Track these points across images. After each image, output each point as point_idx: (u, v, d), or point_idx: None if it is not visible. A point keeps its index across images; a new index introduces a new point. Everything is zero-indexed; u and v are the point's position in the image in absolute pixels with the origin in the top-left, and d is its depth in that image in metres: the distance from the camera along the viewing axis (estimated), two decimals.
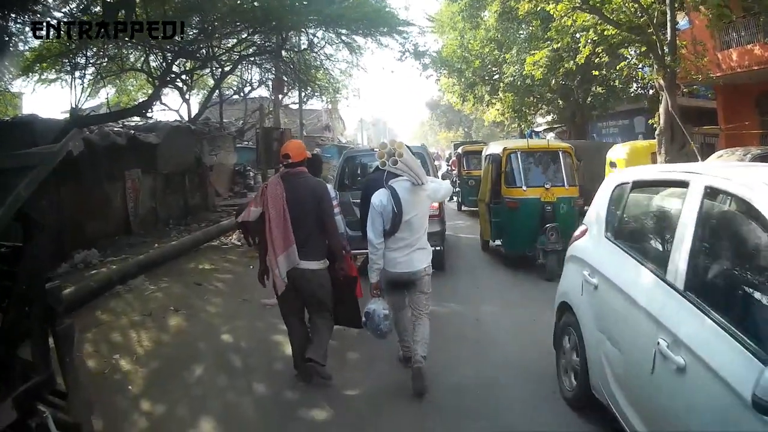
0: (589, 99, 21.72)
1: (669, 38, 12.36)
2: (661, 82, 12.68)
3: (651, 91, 19.48)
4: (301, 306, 5.74)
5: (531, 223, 10.08)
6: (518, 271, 10.39)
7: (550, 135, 29.90)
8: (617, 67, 17.35)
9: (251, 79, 25.89)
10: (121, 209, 14.18)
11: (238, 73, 24.87)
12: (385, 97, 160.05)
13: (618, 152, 14.31)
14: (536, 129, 30.21)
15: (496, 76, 24.42)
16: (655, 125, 13.25)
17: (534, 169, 10.78)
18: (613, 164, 13.87)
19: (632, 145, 14.88)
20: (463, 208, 20.06)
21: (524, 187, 10.29)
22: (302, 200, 5.43)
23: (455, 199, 20.90)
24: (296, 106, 29.41)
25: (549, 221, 9.88)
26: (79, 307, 7.98)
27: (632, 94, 21.93)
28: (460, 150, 20.93)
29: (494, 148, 11.83)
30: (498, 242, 11.32)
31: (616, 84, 20.98)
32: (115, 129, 14.75)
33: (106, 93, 18.55)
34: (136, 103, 19.14)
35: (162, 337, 7.23)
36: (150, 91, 18.26)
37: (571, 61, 17.86)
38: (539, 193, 10.16)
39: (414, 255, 5.61)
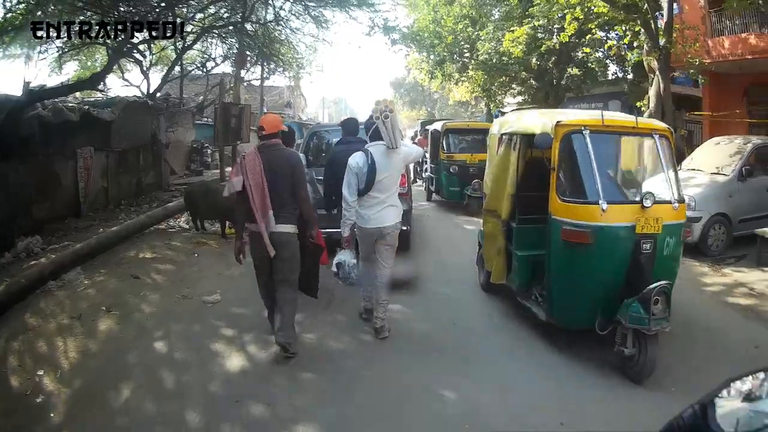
0: (564, 80, 21.08)
1: (665, 18, 11.87)
2: (654, 63, 12.19)
3: (630, 75, 19.20)
4: (270, 272, 5.99)
5: (613, 279, 5.51)
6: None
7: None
8: (606, 46, 16.82)
9: (214, 54, 24.94)
10: (71, 190, 13.11)
11: (201, 48, 24.02)
12: (349, 76, 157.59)
13: None
14: (503, 110, 29.73)
15: (467, 54, 23.56)
16: (643, 108, 12.78)
17: (616, 167, 6.58)
18: None
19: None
20: (434, 198, 17.75)
21: (604, 204, 5.45)
22: (277, 170, 5.76)
23: (421, 184, 19.75)
24: (258, 83, 28.56)
25: (646, 271, 5.45)
26: (8, 309, 7.04)
27: (612, 77, 21.66)
28: (437, 127, 17.51)
29: (529, 119, 6.89)
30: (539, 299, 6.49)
31: (594, 66, 20.63)
32: (69, 105, 13.66)
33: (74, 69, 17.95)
34: None
35: (90, 345, 6.24)
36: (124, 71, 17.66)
37: (554, 39, 17.42)
38: (632, 215, 5.50)
39: (385, 211, 6.31)
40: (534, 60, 20.74)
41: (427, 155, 17.04)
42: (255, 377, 5.50)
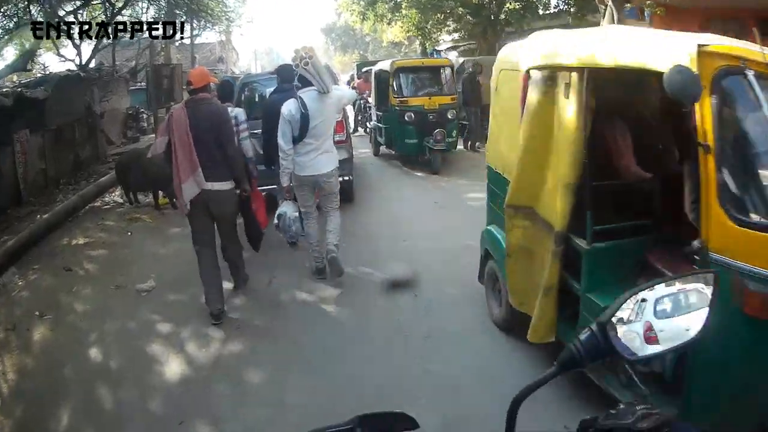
0: (503, 15, 20.76)
1: None
2: None
3: (573, 9, 19.08)
4: (211, 235, 6.10)
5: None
6: None
7: (454, 53, 29.30)
8: None
9: (144, 18, 23.85)
10: (11, 178, 12.48)
11: (130, 12, 23.11)
12: (279, 25, 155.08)
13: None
14: (438, 48, 29.41)
15: None
16: None
17: None
18: None
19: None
20: (384, 151, 15.41)
21: None
22: (205, 125, 5.64)
23: (363, 133, 18.82)
24: (189, 41, 27.85)
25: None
26: None
27: (554, 11, 21.35)
28: (384, 67, 14.72)
29: (613, 40, 3.82)
30: None
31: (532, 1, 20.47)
32: (3, 90, 13.31)
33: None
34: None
35: (26, 362, 5.79)
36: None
37: None
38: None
39: (320, 158, 6.31)
40: None
41: (371, 101, 15.72)
42: (197, 387, 4.98)
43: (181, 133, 5.61)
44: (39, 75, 17.23)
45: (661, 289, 1.43)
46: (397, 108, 13.30)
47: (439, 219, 9.37)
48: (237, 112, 6.91)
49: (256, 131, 7.74)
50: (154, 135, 17.01)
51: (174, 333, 6.05)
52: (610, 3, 12.05)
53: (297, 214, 6.51)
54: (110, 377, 5.32)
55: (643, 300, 1.42)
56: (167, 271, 7.73)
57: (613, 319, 1.37)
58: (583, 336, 1.37)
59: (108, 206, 12.10)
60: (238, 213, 6.33)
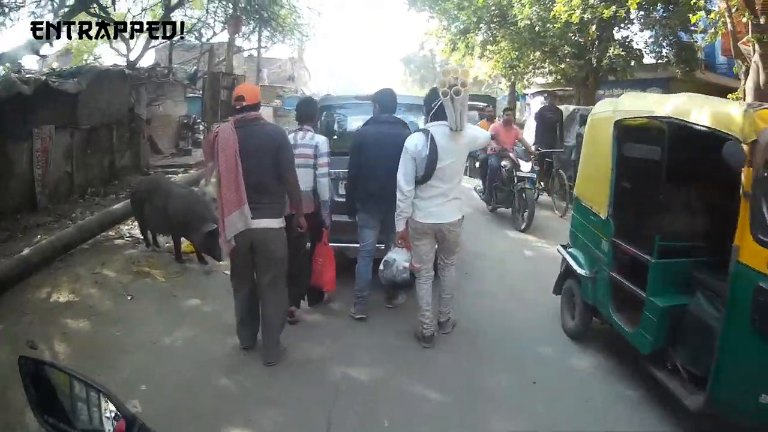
0: (605, 61, 18.48)
1: None
2: (756, 47, 9.77)
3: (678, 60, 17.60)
4: (251, 273, 5.32)
5: None
6: None
7: (539, 98, 27.11)
8: (693, 18, 13.59)
9: (207, 19, 22.53)
10: (26, 178, 10.83)
11: (191, 12, 21.68)
12: (357, 50, 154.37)
13: None
14: (525, 91, 27.17)
15: (497, 21, 20.56)
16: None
17: None
18: None
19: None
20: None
21: None
22: (258, 150, 4.96)
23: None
24: (257, 54, 26.39)
25: None
26: None
27: (659, 61, 19.27)
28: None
29: (685, 103, 4.98)
30: None
31: (637, 48, 18.77)
32: (26, 76, 11.40)
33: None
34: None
35: None
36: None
37: (617, 8, 15.04)
38: None
39: (447, 205, 5.54)
40: (574, 34, 18.28)
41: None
42: None
43: (228, 157, 4.89)
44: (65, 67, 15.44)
45: None
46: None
47: None
48: (318, 140, 6.05)
49: (335, 170, 6.55)
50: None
51: None
52: (756, 58, 9.74)
53: (407, 264, 5.73)
54: None
55: None
56: (165, 385, 4.84)
57: None
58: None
59: (118, 241, 9.36)
60: (285, 258, 5.31)
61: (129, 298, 6.84)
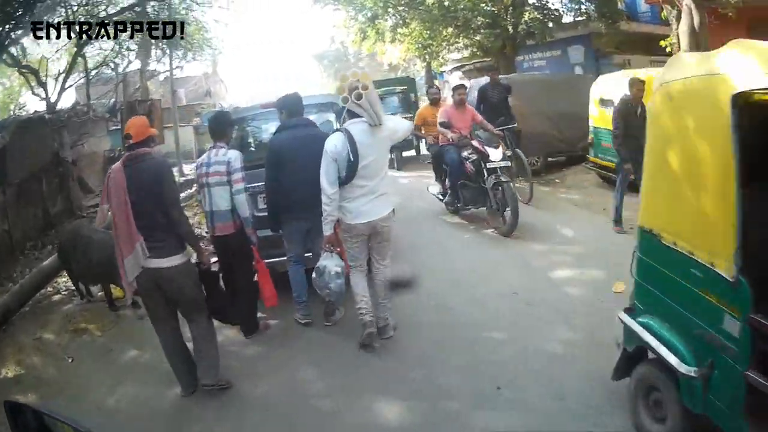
0: (521, 26, 18.41)
1: None
2: None
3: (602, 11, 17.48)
4: (170, 311, 5.17)
5: None
6: None
7: (458, 74, 27.19)
8: None
9: (119, 49, 22.07)
10: None
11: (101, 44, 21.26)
12: (271, 54, 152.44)
13: (611, 87, 10.77)
14: (442, 69, 27.20)
15: (405, 3, 20.31)
16: (669, 49, 10.68)
17: None
18: (606, 102, 10.83)
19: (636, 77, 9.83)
20: None
21: None
22: (144, 188, 4.80)
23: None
24: (175, 74, 26.04)
25: None
26: None
27: (580, 18, 19.54)
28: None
29: None
30: None
31: (553, 8, 18.79)
32: None
33: None
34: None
35: None
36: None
37: None
38: None
39: (376, 202, 5.46)
40: (486, 4, 18.31)
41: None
42: None
43: (119, 198, 4.82)
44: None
45: None
46: None
47: None
48: (231, 156, 5.92)
49: (252, 185, 6.41)
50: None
51: None
52: (687, 1, 10.06)
53: (339, 269, 5.55)
54: None
55: None
56: None
57: None
58: None
59: (56, 297, 9.01)
60: (197, 291, 5.17)
61: (70, 360, 6.66)
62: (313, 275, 5.66)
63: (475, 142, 9.29)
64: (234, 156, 5.94)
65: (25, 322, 8.06)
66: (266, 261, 6.34)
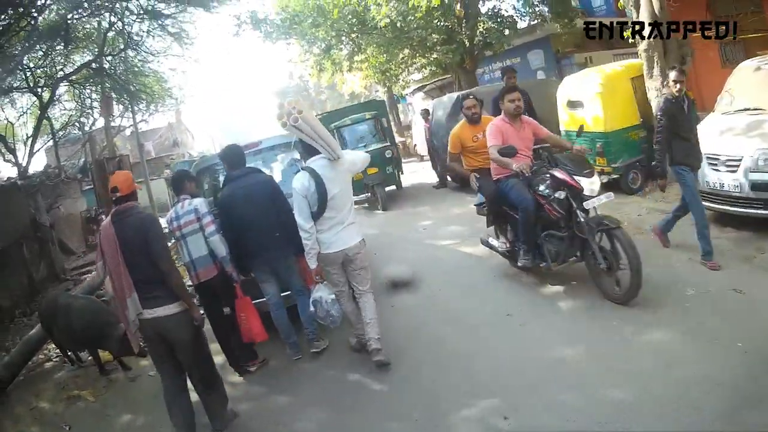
0: (477, 38, 18.31)
1: None
2: None
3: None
4: (175, 363, 5.20)
5: None
6: None
7: (419, 95, 27.43)
8: None
9: (83, 107, 22.28)
10: None
11: (62, 106, 21.39)
12: (233, 97, 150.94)
13: (578, 87, 11.04)
14: (405, 92, 27.23)
15: (357, 29, 19.71)
16: (632, 41, 10.72)
17: None
18: (575, 103, 10.95)
19: (603, 73, 10.73)
20: None
21: None
22: (135, 241, 4.90)
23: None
24: (140, 128, 26.09)
25: None
26: None
27: (535, 22, 19.64)
28: None
29: None
30: None
31: (507, 15, 18.76)
32: None
33: None
34: None
35: None
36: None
37: None
38: None
39: (345, 231, 5.70)
40: (439, 20, 18.18)
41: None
42: None
43: (111, 253, 4.90)
44: None
45: None
46: None
47: None
48: (196, 204, 6.20)
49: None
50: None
51: None
52: None
53: (333, 296, 5.80)
54: None
55: None
56: None
57: None
58: None
59: (47, 365, 8.98)
60: (198, 338, 5.26)
61: (68, 429, 6.66)
62: (311, 309, 5.83)
63: (558, 173, 6.32)
64: (199, 202, 6.21)
65: (21, 391, 8.04)
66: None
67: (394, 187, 15.93)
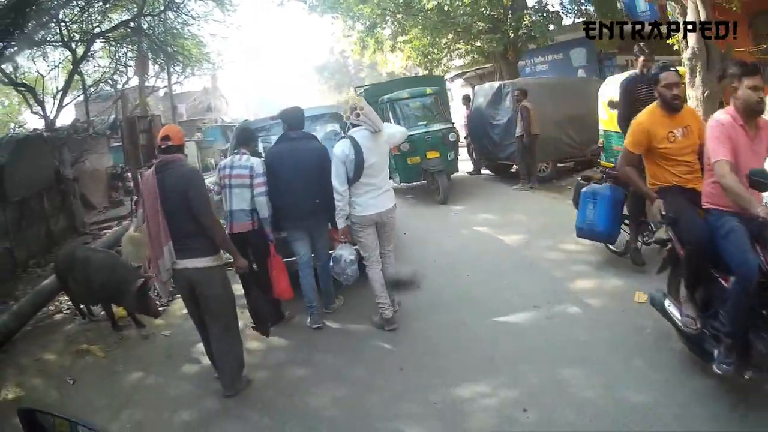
0: (522, 30, 17.96)
1: None
2: None
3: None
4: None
5: None
6: None
7: (459, 81, 27.01)
8: None
9: (117, 65, 22.21)
10: None
11: (98, 62, 21.45)
12: (269, 68, 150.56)
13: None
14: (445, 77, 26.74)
15: (402, 10, 19.61)
16: (677, 47, 10.31)
17: None
18: (616, 104, 10.49)
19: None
20: None
21: None
22: (175, 190, 5.00)
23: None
24: (174, 90, 25.85)
25: None
26: None
27: (574, 22, 19.43)
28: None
29: None
30: None
31: (552, 11, 18.52)
32: None
33: None
34: None
35: None
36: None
37: None
38: None
39: (382, 197, 6.18)
40: (486, 9, 17.87)
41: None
42: None
43: (151, 202, 5.07)
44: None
45: None
46: None
47: None
48: (253, 162, 6.42)
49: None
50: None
51: None
52: None
53: (353, 257, 6.32)
54: None
55: None
56: None
57: None
58: None
59: (57, 317, 8.76)
60: (226, 295, 5.30)
61: (72, 383, 6.39)
62: (330, 263, 6.38)
63: None
64: (256, 162, 6.44)
65: (26, 342, 7.85)
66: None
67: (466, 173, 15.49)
